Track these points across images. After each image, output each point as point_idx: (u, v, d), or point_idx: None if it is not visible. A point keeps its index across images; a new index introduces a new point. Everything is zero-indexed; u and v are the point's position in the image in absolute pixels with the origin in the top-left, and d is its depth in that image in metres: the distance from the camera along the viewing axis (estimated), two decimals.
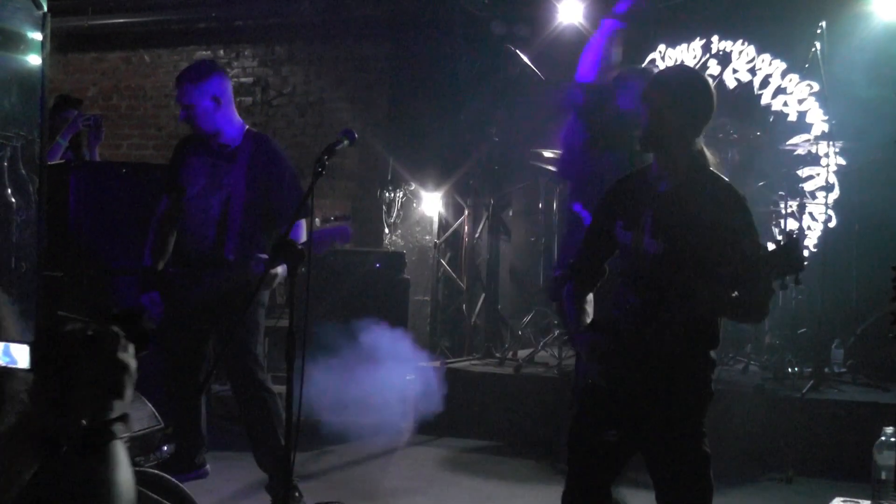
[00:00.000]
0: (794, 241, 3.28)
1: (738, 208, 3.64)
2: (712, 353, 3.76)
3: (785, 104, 8.44)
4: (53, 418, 1.97)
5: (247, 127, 5.57)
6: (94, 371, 1.97)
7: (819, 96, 8.14)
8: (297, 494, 5.05)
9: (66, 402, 1.97)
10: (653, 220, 3.72)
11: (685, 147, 3.71)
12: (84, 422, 1.98)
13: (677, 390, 3.67)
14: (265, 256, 5.09)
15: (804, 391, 6.74)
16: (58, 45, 7.11)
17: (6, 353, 3.89)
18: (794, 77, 8.38)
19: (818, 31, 7.35)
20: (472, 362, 8.13)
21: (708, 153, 3.80)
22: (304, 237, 5.09)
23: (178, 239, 5.54)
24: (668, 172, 3.75)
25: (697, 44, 8.81)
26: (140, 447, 4.43)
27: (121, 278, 6.83)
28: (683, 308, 3.52)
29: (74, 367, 1.95)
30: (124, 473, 1.97)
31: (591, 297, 4.03)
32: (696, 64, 8.77)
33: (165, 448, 4.86)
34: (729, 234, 3.55)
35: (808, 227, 8.12)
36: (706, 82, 3.78)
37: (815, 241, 8.16)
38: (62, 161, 7.31)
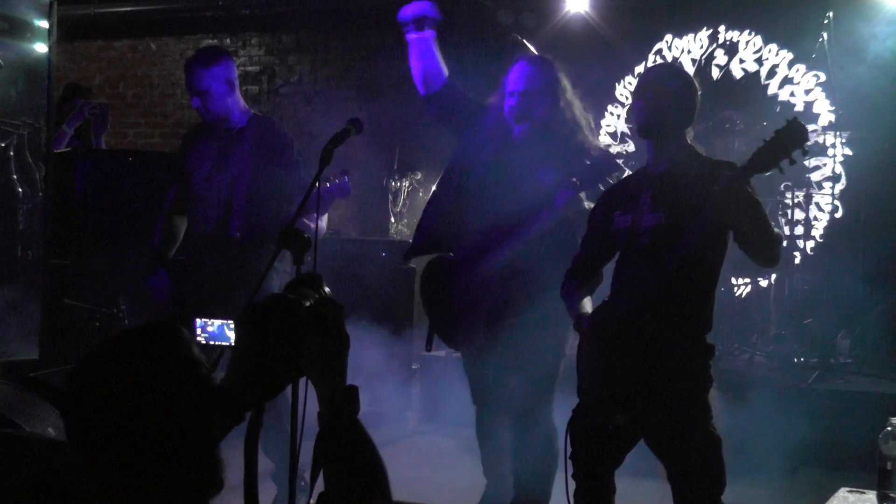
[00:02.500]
0: (793, 119, 3.49)
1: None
2: (708, 339, 3.82)
3: (792, 94, 8.43)
4: (252, 391, 2.02)
5: (252, 111, 5.55)
6: (325, 343, 2.02)
7: (826, 86, 8.13)
8: (302, 483, 5.06)
9: (277, 373, 2.03)
10: (651, 198, 3.87)
11: (682, 136, 3.92)
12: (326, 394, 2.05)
13: (674, 375, 3.70)
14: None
15: (810, 381, 6.75)
16: (64, 34, 7.12)
17: (219, 330, 3.95)
18: (801, 67, 8.37)
19: (825, 22, 7.33)
20: None
21: (697, 147, 4.01)
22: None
23: (188, 223, 5.52)
24: (664, 157, 3.92)
25: (704, 34, 8.79)
26: None
27: (127, 266, 6.83)
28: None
29: (306, 341, 2.00)
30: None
31: (588, 299, 4.10)
32: (703, 54, 8.76)
33: None
34: None
35: (815, 218, 8.12)
36: (693, 79, 4.07)
37: (822, 232, 8.15)
38: (68, 149, 7.32)
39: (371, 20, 10.29)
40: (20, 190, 5.80)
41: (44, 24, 5.91)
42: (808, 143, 3.49)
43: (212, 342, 4.54)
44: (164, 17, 11.36)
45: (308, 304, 2.04)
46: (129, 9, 11.22)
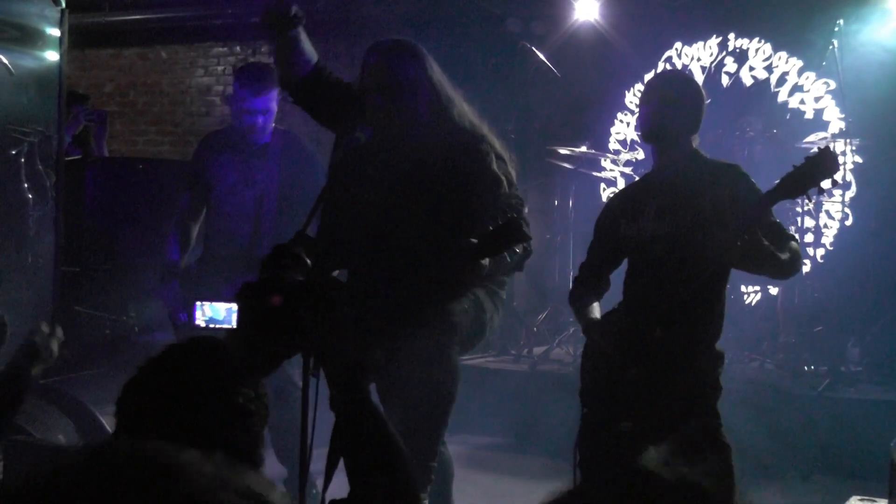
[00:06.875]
0: (825, 148, 3.53)
1: (739, 178, 3.85)
2: (718, 347, 3.82)
3: (801, 102, 8.41)
4: (250, 369, 2.09)
5: (273, 124, 5.56)
6: (323, 319, 2.01)
7: (836, 94, 8.10)
8: (314, 491, 5.05)
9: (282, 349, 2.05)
10: (657, 206, 3.89)
11: (687, 142, 3.94)
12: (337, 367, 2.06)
13: (685, 383, 3.70)
14: None
15: (820, 389, 6.72)
16: (75, 41, 7.12)
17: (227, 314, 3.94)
18: (811, 75, 8.34)
19: (835, 29, 7.33)
20: (488, 359, 8.13)
21: (702, 151, 4.02)
22: None
23: (208, 237, 5.51)
24: (669, 163, 3.95)
25: (714, 41, 8.78)
26: None
27: (137, 273, 6.85)
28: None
29: (304, 317, 1.99)
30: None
31: (597, 304, 4.09)
32: (713, 61, 8.75)
33: None
34: (734, 204, 3.72)
35: (825, 226, 8.10)
36: (699, 85, 4.12)
37: (832, 239, 8.13)
38: (79, 157, 7.34)
39: (379, 28, 10.30)
40: (30, 197, 5.81)
41: (55, 32, 5.92)
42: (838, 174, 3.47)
43: (212, 325, 4.56)
44: (173, 24, 11.36)
45: (301, 279, 2.05)
46: (139, 17, 11.23)
